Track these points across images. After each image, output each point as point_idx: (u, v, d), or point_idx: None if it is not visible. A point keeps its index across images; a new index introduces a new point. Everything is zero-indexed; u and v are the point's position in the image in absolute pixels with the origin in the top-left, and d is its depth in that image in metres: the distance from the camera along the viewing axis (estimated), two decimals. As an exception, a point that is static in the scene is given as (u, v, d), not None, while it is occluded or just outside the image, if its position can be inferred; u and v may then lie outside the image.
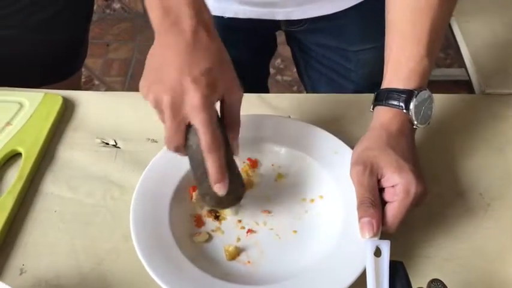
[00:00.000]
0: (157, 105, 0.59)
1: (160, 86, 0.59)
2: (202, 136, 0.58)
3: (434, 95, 0.69)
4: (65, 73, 1.12)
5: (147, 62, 0.62)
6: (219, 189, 0.60)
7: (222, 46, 0.62)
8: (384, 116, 0.67)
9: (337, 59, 0.99)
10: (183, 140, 0.60)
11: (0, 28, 0.98)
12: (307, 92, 1.11)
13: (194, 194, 0.68)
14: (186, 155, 0.63)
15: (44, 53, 1.04)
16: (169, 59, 0.59)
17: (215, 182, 0.60)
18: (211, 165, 0.59)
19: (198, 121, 0.58)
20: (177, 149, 0.62)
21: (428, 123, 0.69)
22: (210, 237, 0.66)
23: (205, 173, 0.60)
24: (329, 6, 0.89)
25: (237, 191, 0.64)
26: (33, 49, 1.03)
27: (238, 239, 0.65)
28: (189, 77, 0.58)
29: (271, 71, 1.19)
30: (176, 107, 0.58)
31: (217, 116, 0.62)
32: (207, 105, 0.58)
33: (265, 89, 1.17)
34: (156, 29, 0.61)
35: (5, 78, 0.88)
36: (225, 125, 0.63)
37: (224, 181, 0.60)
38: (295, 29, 0.94)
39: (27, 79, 0.98)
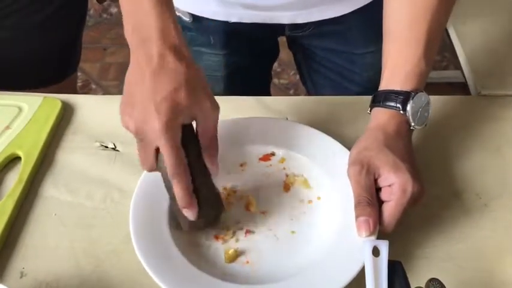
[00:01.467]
0: (128, 130, 0.61)
1: (129, 112, 0.60)
2: (166, 160, 0.59)
3: (430, 96, 0.69)
4: (60, 75, 1.12)
5: (125, 82, 0.63)
6: (188, 214, 0.60)
7: (194, 65, 0.62)
8: (381, 117, 0.68)
9: (342, 62, 0.99)
10: (153, 163, 0.61)
11: None
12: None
13: None
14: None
15: (39, 54, 1.05)
16: (137, 83, 0.60)
17: (182, 206, 0.60)
18: (176, 190, 0.59)
19: (161, 146, 0.59)
20: (151, 171, 0.63)
21: (426, 125, 0.69)
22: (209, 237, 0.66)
23: (174, 197, 0.61)
24: (334, 10, 0.89)
25: (209, 215, 0.64)
26: (29, 50, 1.03)
27: (237, 240, 0.66)
28: (152, 103, 0.58)
29: (268, 74, 1.19)
30: (141, 133, 0.60)
31: (194, 137, 0.62)
32: (168, 129, 0.58)
33: (267, 94, 1.16)
34: (128, 41, 0.62)
35: (0, 80, 0.88)
36: (201, 146, 0.63)
37: (192, 206, 0.60)
38: (300, 34, 0.95)
39: (22, 81, 0.99)
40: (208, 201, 0.63)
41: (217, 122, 0.63)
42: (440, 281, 0.52)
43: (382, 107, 0.68)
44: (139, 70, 0.60)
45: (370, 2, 0.89)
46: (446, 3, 0.69)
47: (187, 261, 0.61)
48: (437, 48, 0.71)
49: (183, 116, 0.60)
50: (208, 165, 0.64)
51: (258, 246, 0.65)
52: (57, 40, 1.07)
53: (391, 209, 0.61)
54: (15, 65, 1.03)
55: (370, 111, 0.70)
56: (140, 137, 0.60)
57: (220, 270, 0.62)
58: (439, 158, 0.77)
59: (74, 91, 1.22)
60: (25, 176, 0.72)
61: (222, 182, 0.70)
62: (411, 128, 0.68)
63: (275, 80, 2.17)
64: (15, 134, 0.77)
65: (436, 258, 0.65)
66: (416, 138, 0.73)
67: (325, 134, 0.74)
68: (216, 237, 0.66)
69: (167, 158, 0.58)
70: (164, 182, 0.63)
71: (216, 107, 0.62)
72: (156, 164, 0.62)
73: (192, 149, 0.62)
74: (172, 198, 0.62)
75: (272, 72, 1.17)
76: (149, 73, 0.59)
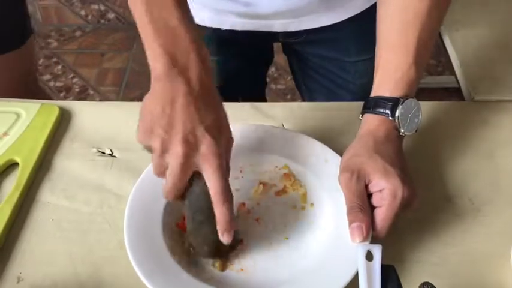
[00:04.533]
0: (164, 152, 0.59)
1: (171, 135, 0.58)
2: (216, 184, 0.58)
3: (424, 102, 0.70)
4: (16, 41, 1.10)
5: (147, 105, 0.61)
6: (226, 238, 0.59)
7: (216, 89, 0.63)
8: (371, 123, 0.69)
9: (335, 69, 0.99)
10: (183, 189, 0.61)
11: None
12: (303, 101, 1.12)
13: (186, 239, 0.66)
14: (182, 200, 0.62)
15: None
16: (180, 107, 0.59)
17: (224, 231, 0.59)
18: (223, 213, 0.59)
19: (213, 169, 0.58)
20: (178, 196, 0.61)
21: (416, 131, 0.70)
22: None
23: (205, 221, 0.60)
24: (326, 18, 0.90)
25: (235, 241, 0.64)
26: None
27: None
28: (202, 126, 0.59)
29: (265, 79, 1.20)
30: (189, 156, 0.58)
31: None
32: (220, 153, 0.59)
33: (262, 99, 1.17)
34: (158, 75, 0.60)
35: None
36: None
37: (232, 231, 0.59)
38: (293, 41, 0.95)
39: None
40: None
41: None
42: (433, 285, 0.53)
43: (372, 113, 0.69)
44: (178, 95, 0.59)
45: (363, 11, 0.89)
46: (438, 10, 0.70)
47: (181, 269, 0.62)
48: (430, 54, 0.71)
49: (222, 141, 0.60)
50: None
51: (252, 253, 0.66)
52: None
53: (382, 214, 0.62)
54: None
55: (362, 117, 0.71)
56: (185, 160, 0.58)
57: (215, 278, 0.63)
58: (432, 162, 0.77)
59: (32, 58, 1.18)
60: (22, 182, 0.72)
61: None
62: (401, 134, 0.68)
63: (272, 85, 2.18)
64: (13, 140, 0.78)
65: (429, 262, 0.66)
66: (409, 143, 0.73)
67: (318, 141, 0.74)
68: None
69: (217, 180, 0.58)
70: (190, 206, 0.61)
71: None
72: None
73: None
74: (197, 224, 0.61)
75: (269, 78, 1.18)
76: (193, 98, 0.59)
